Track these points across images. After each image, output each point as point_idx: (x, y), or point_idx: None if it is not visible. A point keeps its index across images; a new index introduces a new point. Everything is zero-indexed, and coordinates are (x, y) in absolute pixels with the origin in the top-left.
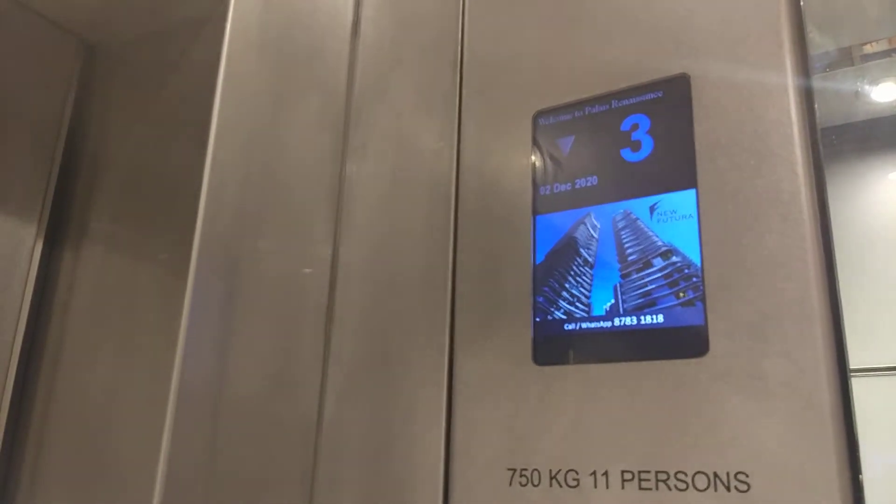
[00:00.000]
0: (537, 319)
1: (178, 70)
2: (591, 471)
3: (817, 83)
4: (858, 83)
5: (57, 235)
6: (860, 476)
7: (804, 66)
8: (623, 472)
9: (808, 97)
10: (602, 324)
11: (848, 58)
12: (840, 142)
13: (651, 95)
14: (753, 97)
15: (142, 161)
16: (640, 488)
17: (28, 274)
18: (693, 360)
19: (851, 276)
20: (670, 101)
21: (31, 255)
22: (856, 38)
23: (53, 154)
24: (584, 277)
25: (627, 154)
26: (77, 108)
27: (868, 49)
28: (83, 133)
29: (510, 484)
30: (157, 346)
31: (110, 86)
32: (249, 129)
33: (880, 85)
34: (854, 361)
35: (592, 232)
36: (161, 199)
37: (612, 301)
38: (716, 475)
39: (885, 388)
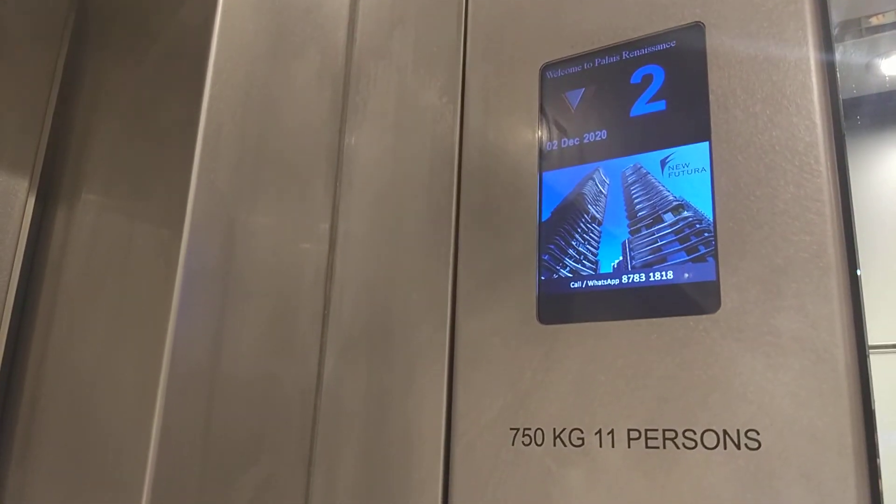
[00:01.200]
0: (542, 278)
1: (173, 23)
2: (597, 429)
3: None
4: (869, 55)
5: (50, 191)
6: (875, 433)
7: (824, 13)
8: (629, 430)
9: (827, 45)
10: (609, 281)
11: (856, 29)
12: (850, 115)
13: (664, 46)
14: (770, 46)
15: (135, 118)
16: (647, 447)
17: (20, 230)
18: (703, 317)
19: (860, 252)
20: (684, 50)
21: (24, 212)
22: (863, 10)
23: (46, 108)
24: (591, 234)
25: (638, 107)
26: (70, 61)
27: (875, 21)
28: (76, 87)
29: (513, 443)
30: (151, 311)
31: (104, 39)
32: (246, 85)
33: (892, 57)
34: None
35: (601, 188)
36: (155, 158)
37: (620, 258)
38: (725, 432)
39: (891, 366)
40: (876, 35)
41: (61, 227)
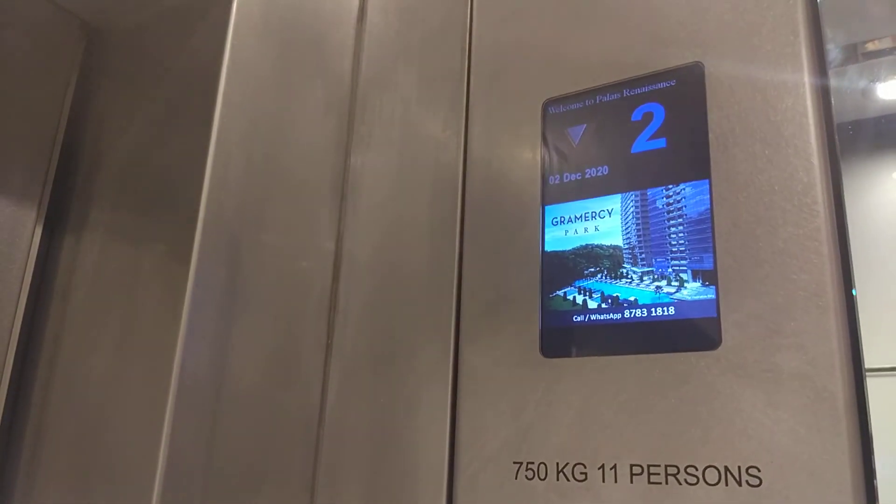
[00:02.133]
0: (545, 310)
1: (182, 56)
2: (600, 464)
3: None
4: (865, 80)
5: (57, 221)
6: (874, 470)
7: (820, 55)
8: (632, 465)
9: (823, 87)
10: (612, 316)
11: (853, 55)
12: (846, 140)
13: (664, 84)
14: (768, 87)
15: (144, 147)
16: (650, 482)
17: (27, 259)
18: (704, 353)
19: (857, 276)
20: (683, 89)
21: (31, 241)
22: (860, 36)
23: (54, 138)
24: (593, 268)
25: (639, 143)
26: (79, 92)
27: (871, 46)
28: (85, 118)
29: (516, 477)
30: (157, 336)
31: (113, 71)
32: (253, 115)
33: (888, 82)
34: None
35: (603, 223)
36: (163, 187)
37: (623, 293)
38: (727, 469)
39: (891, 389)
40: (872, 60)
41: (68, 254)
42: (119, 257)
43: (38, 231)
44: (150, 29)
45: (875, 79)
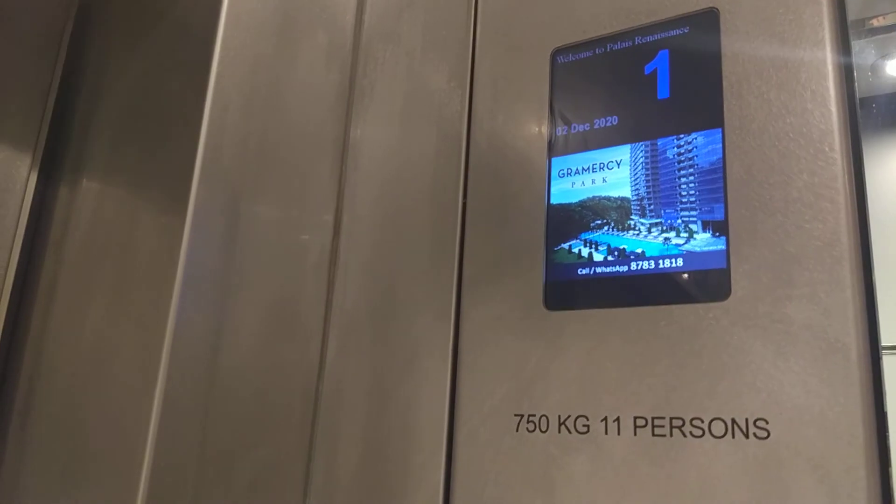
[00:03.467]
0: (549, 263)
1: (179, 2)
2: (602, 416)
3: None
4: (874, 57)
5: (52, 168)
6: (887, 423)
7: (840, 2)
8: (636, 418)
9: (843, 31)
10: (618, 268)
11: (859, 31)
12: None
13: (677, 31)
14: (786, 32)
15: (140, 94)
16: (654, 434)
17: (21, 207)
18: (713, 304)
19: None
20: (697, 36)
21: (25, 187)
22: (864, 12)
23: (50, 83)
24: (600, 220)
25: (650, 92)
26: (75, 36)
27: (875, 23)
28: (81, 63)
29: (517, 430)
30: (153, 286)
31: (109, 14)
32: (252, 62)
33: (894, 59)
34: None
35: (611, 174)
36: (160, 133)
37: (630, 244)
38: (734, 421)
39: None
40: (877, 37)
41: (63, 204)
42: (115, 207)
43: (34, 178)
44: None
45: (886, 55)
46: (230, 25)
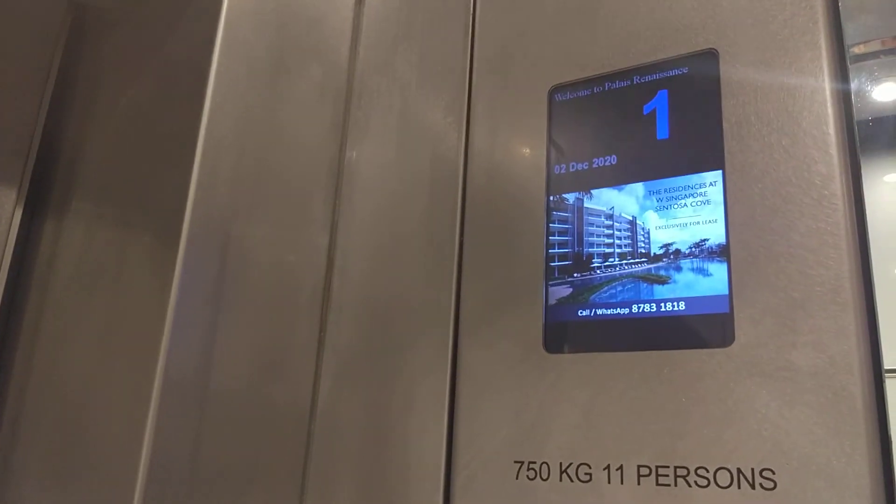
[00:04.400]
0: (549, 305)
1: (173, 34)
2: (605, 465)
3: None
4: (861, 82)
5: (38, 204)
6: (895, 475)
7: (839, 44)
8: (639, 466)
9: (843, 76)
10: (620, 310)
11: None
12: None
13: (676, 71)
14: (786, 75)
15: (131, 128)
16: (658, 484)
17: (6, 245)
18: (717, 350)
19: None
20: (696, 77)
21: (10, 225)
22: (848, 39)
23: (36, 118)
24: (600, 262)
25: (650, 133)
26: (64, 69)
27: (857, 50)
28: (70, 96)
29: (517, 477)
30: (143, 327)
31: (100, 48)
32: (247, 99)
33: (882, 84)
34: None
35: (611, 214)
36: (151, 172)
37: (631, 286)
38: (739, 471)
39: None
40: (860, 63)
41: (49, 239)
42: (103, 245)
43: (18, 215)
44: (138, 7)
45: (871, 81)
46: (224, 58)
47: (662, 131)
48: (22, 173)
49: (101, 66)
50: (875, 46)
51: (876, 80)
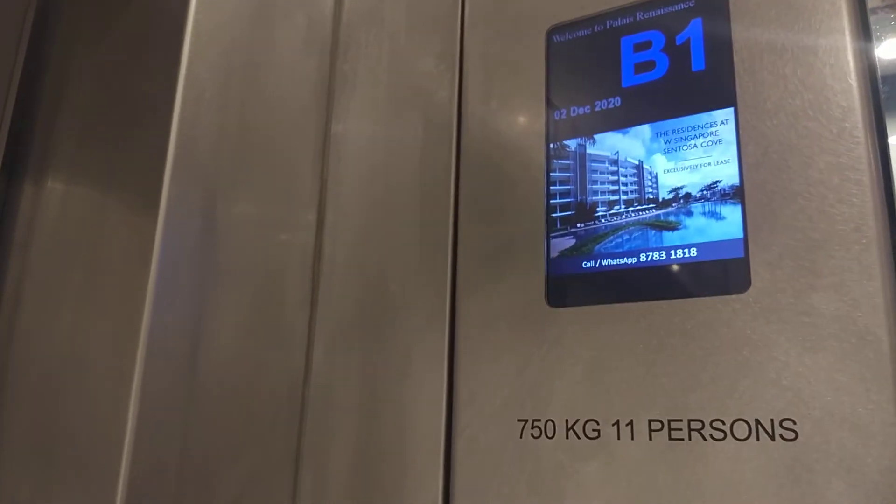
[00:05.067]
0: (551, 257)
1: None
2: (614, 420)
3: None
4: None
5: (16, 166)
6: None
7: None
8: (650, 421)
9: (861, 3)
10: (626, 260)
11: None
12: None
13: (682, 5)
14: (800, 4)
15: (108, 84)
16: (671, 438)
17: None
18: (732, 297)
19: None
20: (704, 10)
21: None
22: None
23: (11, 75)
24: (606, 209)
25: (655, 71)
26: (37, 24)
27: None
28: (44, 53)
29: (521, 436)
30: (125, 291)
31: (73, 3)
32: (226, 47)
33: (885, 42)
34: None
35: (616, 159)
36: (130, 127)
37: (638, 234)
38: (758, 422)
39: None
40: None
41: (28, 204)
42: (83, 206)
43: None
44: None
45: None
46: (202, 6)
47: (669, 69)
48: None
49: (77, 20)
50: (875, 2)
51: (878, 38)
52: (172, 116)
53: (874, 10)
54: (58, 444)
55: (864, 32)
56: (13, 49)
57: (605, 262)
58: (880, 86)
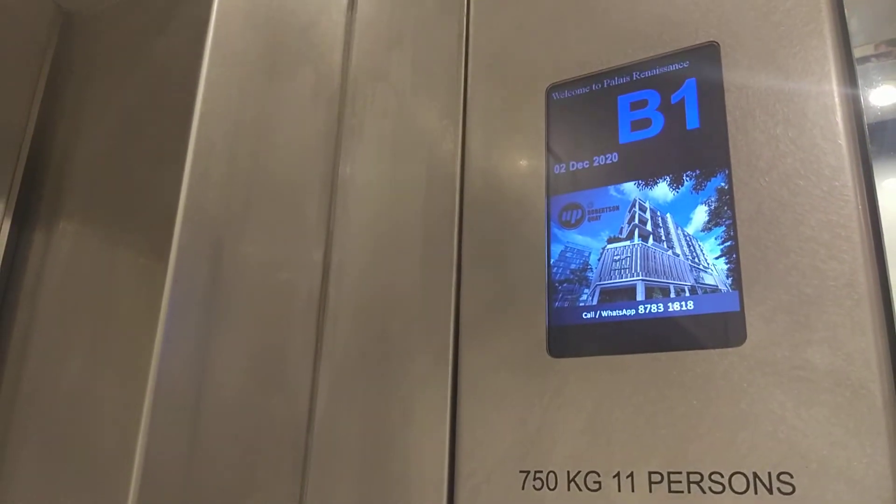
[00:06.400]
0: (552, 307)
1: (162, 38)
2: (615, 472)
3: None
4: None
5: (26, 215)
6: None
7: (844, 32)
8: (650, 473)
9: (849, 65)
10: (625, 311)
11: None
12: None
13: (677, 66)
14: (790, 65)
15: (121, 136)
16: (671, 491)
17: None
18: (728, 350)
19: None
20: (698, 71)
21: None
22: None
23: (25, 127)
24: (604, 262)
25: (652, 129)
26: (51, 79)
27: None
28: (57, 107)
29: (523, 487)
30: (133, 339)
31: (88, 55)
32: (238, 105)
33: (878, 88)
34: None
35: (613, 213)
36: (141, 180)
37: (637, 287)
38: (756, 476)
39: None
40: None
41: (38, 251)
42: (92, 255)
43: (6, 226)
44: (127, 12)
45: (866, 84)
46: (214, 63)
47: (665, 127)
48: (10, 183)
49: (91, 73)
50: (868, 51)
51: (873, 84)
52: (184, 168)
53: (867, 59)
54: (64, 489)
55: (853, 93)
56: (28, 97)
57: (604, 314)
58: (868, 143)
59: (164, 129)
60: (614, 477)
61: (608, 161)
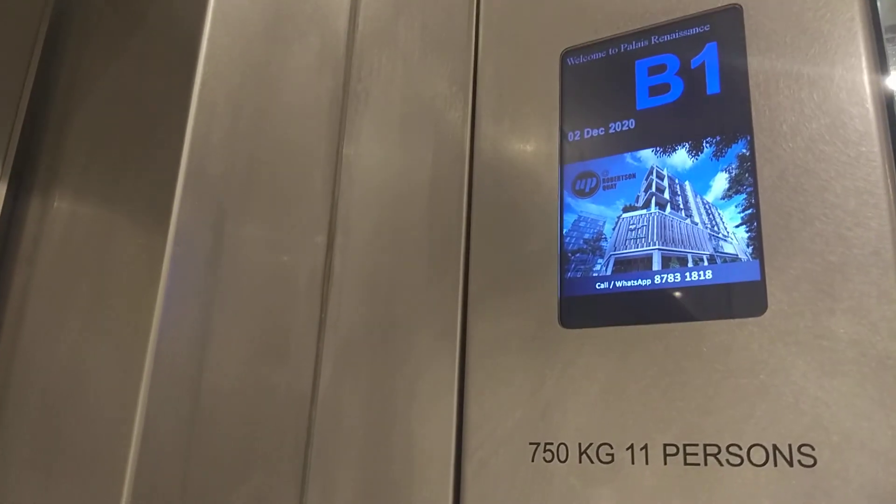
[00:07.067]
0: (565, 277)
1: (162, 2)
2: (628, 444)
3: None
4: None
5: (23, 181)
6: None
7: None
8: (665, 445)
9: (876, 23)
10: (641, 281)
11: None
12: None
13: (697, 29)
14: (815, 27)
15: (119, 100)
16: (686, 463)
17: None
18: (748, 320)
19: None
20: (719, 35)
21: None
22: None
23: (21, 89)
24: (619, 230)
25: (669, 94)
26: (49, 39)
27: None
28: (56, 66)
29: (532, 459)
30: (132, 308)
31: (87, 15)
32: (240, 67)
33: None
34: None
35: (629, 181)
36: (141, 144)
37: (654, 256)
38: (776, 448)
39: None
40: None
41: (35, 218)
42: (90, 221)
43: (2, 191)
44: None
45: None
46: (217, 25)
47: (684, 92)
48: (6, 150)
49: (88, 37)
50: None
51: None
52: (185, 134)
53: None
54: (59, 462)
55: (881, 58)
56: (24, 64)
57: (619, 284)
58: None
59: (163, 93)
60: (627, 449)
61: (625, 128)
